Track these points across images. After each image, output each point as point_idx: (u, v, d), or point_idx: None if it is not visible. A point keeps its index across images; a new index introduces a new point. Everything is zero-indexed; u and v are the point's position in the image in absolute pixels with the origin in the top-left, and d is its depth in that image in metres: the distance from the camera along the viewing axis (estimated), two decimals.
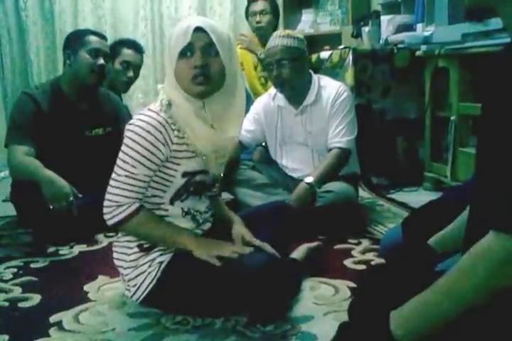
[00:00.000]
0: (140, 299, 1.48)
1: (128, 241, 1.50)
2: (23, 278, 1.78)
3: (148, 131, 1.40)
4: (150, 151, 1.40)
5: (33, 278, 1.78)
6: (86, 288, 1.68)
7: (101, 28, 3.93)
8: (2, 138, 2.31)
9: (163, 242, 1.48)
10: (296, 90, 2.33)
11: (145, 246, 1.49)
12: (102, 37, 2.37)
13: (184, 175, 1.48)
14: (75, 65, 2.28)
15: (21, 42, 4.01)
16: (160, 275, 1.45)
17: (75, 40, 2.31)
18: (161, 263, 1.46)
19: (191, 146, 1.46)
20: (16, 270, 1.86)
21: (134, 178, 1.41)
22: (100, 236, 2.19)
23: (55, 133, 2.24)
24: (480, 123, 0.94)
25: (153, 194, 1.49)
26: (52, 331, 1.40)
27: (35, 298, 1.61)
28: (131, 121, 1.44)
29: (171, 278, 1.44)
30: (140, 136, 1.40)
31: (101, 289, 1.66)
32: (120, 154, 1.43)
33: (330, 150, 2.31)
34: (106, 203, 1.44)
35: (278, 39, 2.29)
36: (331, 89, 2.36)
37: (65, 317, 1.48)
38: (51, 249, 2.07)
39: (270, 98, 2.47)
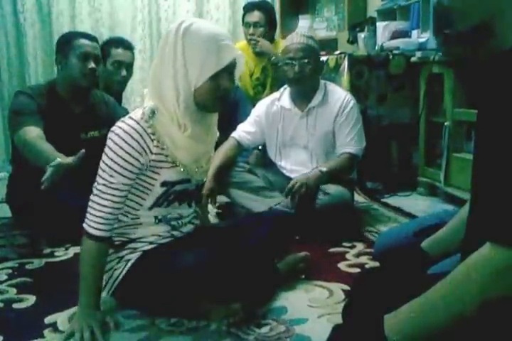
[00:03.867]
0: (109, 293, 1.53)
1: None
2: (18, 279, 1.78)
3: (125, 141, 1.39)
4: (127, 161, 1.39)
5: (28, 280, 1.78)
6: None
7: (98, 31, 3.93)
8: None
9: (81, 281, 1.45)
10: (306, 89, 2.40)
11: (116, 243, 1.53)
12: (92, 39, 2.35)
13: (163, 184, 1.49)
14: (66, 69, 2.28)
15: (19, 44, 4.00)
16: (126, 273, 1.49)
17: (65, 44, 2.30)
18: (127, 261, 1.50)
19: (171, 157, 1.46)
20: (11, 271, 1.86)
21: (110, 187, 1.40)
22: None
23: (51, 135, 2.24)
24: (477, 131, 0.94)
25: (133, 199, 1.50)
26: (46, 332, 1.41)
27: (30, 299, 1.61)
28: (112, 129, 1.43)
29: (135, 276, 1.48)
30: (117, 145, 1.39)
31: None
32: (100, 162, 1.42)
33: (340, 154, 2.38)
34: (88, 208, 1.43)
35: (302, 37, 2.37)
36: (338, 96, 2.43)
37: (60, 318, 1.48)
38: (46, 251, 2.07)
39: (274, 100, 2.51)
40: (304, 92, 2.42)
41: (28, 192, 2.06)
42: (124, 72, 2.78)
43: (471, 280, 0.83)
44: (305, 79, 2.35)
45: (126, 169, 1.40)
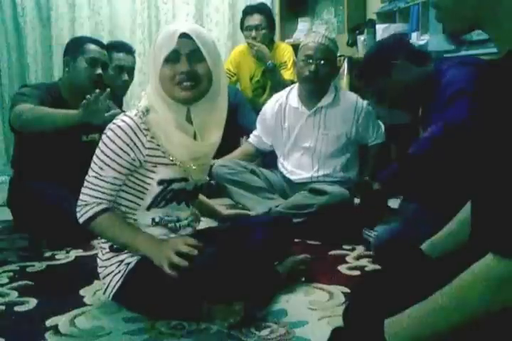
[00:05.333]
0: (110, 296, 1.53)
1: (103, 241, 1.55)
2: (20, 282, 1.78)
3: (117, 135, 1.43)
4: (117, 154, 1.43)
5: (29, 282, 1.79)
6: (82, 292, 1.69)
7: (98, 34, 3.94)
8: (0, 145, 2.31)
9: (125, 247, 1.50)
10: (317, 89, 2.44)
11: (115, 246, 1.53)
12: (101, 45, 2.39)
13: (160, 182, 1.49)
14: (73, 72, 2.30)
15: (19, 48, 4.01)
16: (126, 277, 1.49)
17: (75, 47, 2.33)
18: (127, 264, 1.50)
19: (168, 153, 1.47)
20: (12, 274, 1.86)
21: (101, 179, 1.45)
22: (96, 242, 2.20)
23: (53, 135, 2.23)
24: (474, 135, 0.93)
25: (130, 200, 1.51)
26: (48, 335, 1.41)
27: (32, 302, 1.62)
28: (107, 126, 1.47)
29: (136, 279, 1.48)
30: (109, 139, 1.43)
31: (97, 293, 1.67)
32: (93, 157, 1.47)
33: (371, 146, 2.56)
34: (78, 202, 1.48)
35: (324, 38, 2.41)
36: (349, 99, 2.49)
37: (61, 321, 1.48)
38: (47, 254, 2.07)
39: (280, 99, 2.54)
40: (314, 92, 2.45)
41: (28, 195, 2.07)
42: (125, 77, 2.79)
43: (472, 290, 0.83)
44: (318, 79, 2.38)
45: (115, 161, 1.43)
